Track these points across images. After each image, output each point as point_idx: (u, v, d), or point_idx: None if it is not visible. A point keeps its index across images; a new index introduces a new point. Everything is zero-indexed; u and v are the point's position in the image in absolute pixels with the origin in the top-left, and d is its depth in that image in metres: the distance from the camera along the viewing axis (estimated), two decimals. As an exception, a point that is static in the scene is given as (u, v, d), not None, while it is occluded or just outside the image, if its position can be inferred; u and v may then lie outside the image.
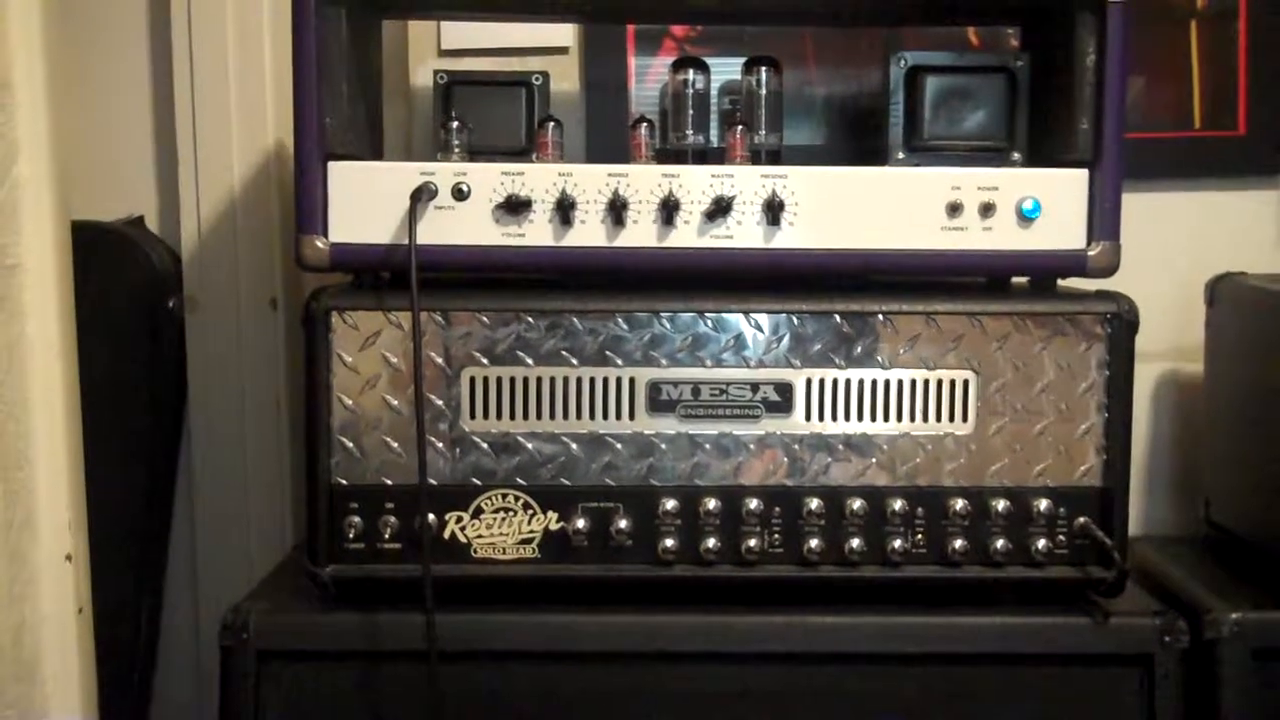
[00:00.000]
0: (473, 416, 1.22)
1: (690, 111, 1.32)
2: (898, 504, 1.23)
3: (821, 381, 1.23)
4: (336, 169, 1.20)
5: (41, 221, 1.05)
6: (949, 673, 1.23)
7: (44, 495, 1.07)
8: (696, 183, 1.21)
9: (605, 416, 1.23)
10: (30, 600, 1.06)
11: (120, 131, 1.60)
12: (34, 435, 1.05)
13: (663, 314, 1.22)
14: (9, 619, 1.04)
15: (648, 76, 1.59)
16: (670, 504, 1.22)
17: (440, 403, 1.22)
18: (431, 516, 1.21)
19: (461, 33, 1.58)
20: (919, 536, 1.23)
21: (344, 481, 1.22)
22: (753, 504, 1.22)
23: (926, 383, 1.23)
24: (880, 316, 1.22)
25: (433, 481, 1.21)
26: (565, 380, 1.22)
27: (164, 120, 1.59)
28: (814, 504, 1.22)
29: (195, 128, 1.56)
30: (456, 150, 1.27)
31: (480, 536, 1.23)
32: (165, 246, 1.59)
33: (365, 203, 1.20)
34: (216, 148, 1.56)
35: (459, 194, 1.20)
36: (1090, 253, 1.22)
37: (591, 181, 1.20)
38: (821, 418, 1.23)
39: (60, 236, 1.09)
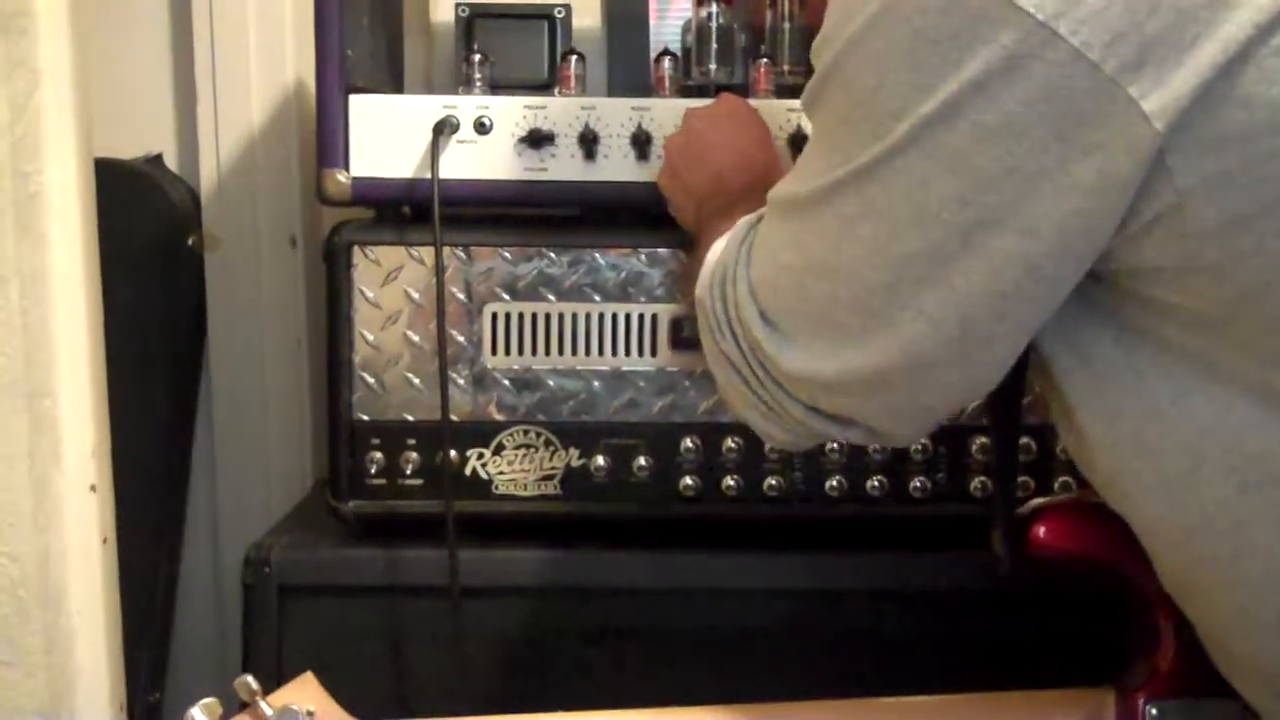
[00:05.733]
0: (494, 353, 1.22)
1: (714, 46, 1.30)
2: (919, 442, 1.22)
3: (845, 318, 1.22)
4: (358, 102, 1.19)
5: (64, 150, 1.04)
6: (969, 609, 1.23)
7: (68, 425, 1.07)
8: (721, 117, 1.19)
9: (627, 353, 1.22)
10: (55, 530, 1.06)
11: (138, 69, 1.59)
12: (58, 365, 1.05)
13: (685, 249, 1.21)
14: (34, 548, 1.04)
15: (670, 11, 1.57)
16: (691, 441, 1.22)
17: (462, 339, 1.22)
18: (453, 452, 1.21)
19: (483, -35, 1.57)
20: (940, 475, 1.23)
21: (365, 417, 1.22)
22: (775, 442, 1.22)
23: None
24: (905, 253, 1.21)
25: (454, 418, 1.21)
26: (587, 316, 1.22)
27: (183, 58, 1.58)
28: (836, 442, 1.22)
29: (214, 65, 1.54)
30: (478, 84, 1.26)
31: (502, 473, 1.23)
32: (184, 184, 1.58)
33: (387, 136, 1.19)
34: (235, 85, 1.55)
35: (481, 128, 1.19)
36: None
37: (615, 115, 1.19)
38: (845, 355, 1.22)
39: (84, 166, 1.08)
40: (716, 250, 0.90)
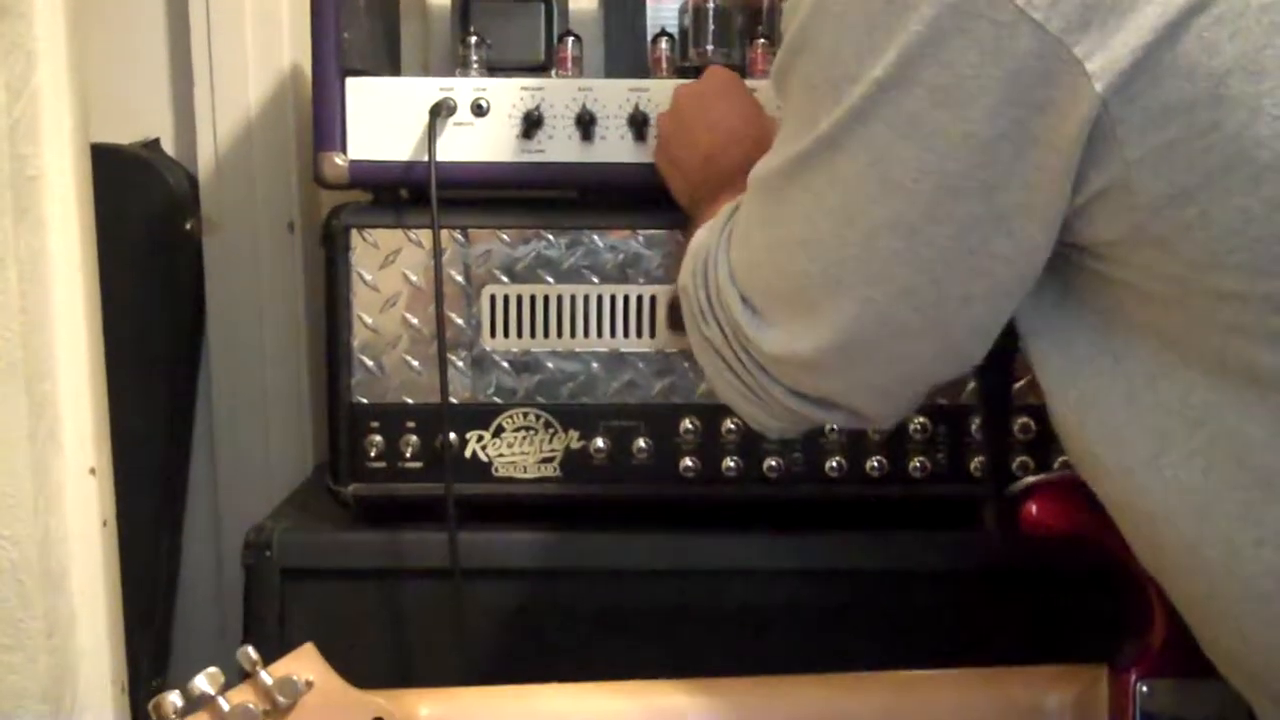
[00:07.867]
0: (493, 335, 1.22)
1: (711, 26, 1.30)
2: (918, 422, 1.22)
3: (843, 299, 1.22)
4: (354, 84, 1.19)
5: (61, 133, 1.04)
6: (967, 588, 1.23)
7: (67, 408, 1.07)
8: (718, 98, 1.19)
9: (626, 334, 1.22)
10: (55, 513, 1.06)
11: (135, 54, 1.59)
12: (57, 348, 1.05)
13: (683, 229, 1.21)
14: (34, 531, 1.04)
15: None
16: (691, 422, 1.22)
17: (461, 321, 1.22)
18: (453, 435, 1.21)
19: (479, -52, 1.56)
20: (940, 455, 1.23)
21: (365, 400, 1.22)
22: (774, 422, 1.22)
23: (949, 299, 1.22)
24: (903, 233, 1.21)
25: (454, 400, 1.21)
26: (586, 298, 1.22)
27: (179, 42, 1.58)
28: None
29: (211, 49, 1.54)
30: (475, 66, 1.25)
31: (501, 455, 1.23)
32: (182, 169, 1.58)
33: (384, 119, 1.19)
34: (232, 69, 1.54)
35: (478, 110, 1.19)
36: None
37: (612, 96, 1.19)
38: (843, 335, 1.22)
39: (81, 149, 1.08)
40: (699, 238, 0.90)
